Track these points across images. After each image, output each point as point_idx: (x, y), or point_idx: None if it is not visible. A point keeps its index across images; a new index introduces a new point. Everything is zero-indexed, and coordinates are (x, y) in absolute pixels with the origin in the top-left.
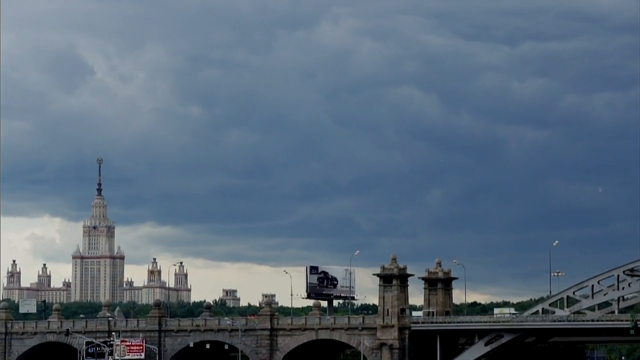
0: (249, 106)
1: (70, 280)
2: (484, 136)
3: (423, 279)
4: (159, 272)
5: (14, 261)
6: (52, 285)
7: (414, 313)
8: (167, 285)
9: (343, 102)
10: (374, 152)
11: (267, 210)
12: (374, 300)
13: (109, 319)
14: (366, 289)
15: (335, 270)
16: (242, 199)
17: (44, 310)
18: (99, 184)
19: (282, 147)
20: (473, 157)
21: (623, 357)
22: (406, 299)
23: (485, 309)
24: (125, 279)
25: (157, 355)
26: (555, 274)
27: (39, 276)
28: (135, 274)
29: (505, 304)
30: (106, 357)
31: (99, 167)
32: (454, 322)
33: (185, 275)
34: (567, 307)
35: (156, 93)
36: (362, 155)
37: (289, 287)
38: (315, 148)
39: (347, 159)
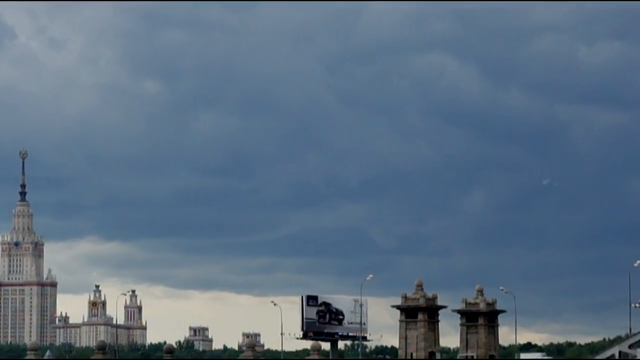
0: (223, 80)
1: None
2: (540, 120)
3: (459, 312)
4: (104, 303)
5: None
6: None
7: None
8: (114, 322)
9: (350, 74)
10: (393, 142)
11: (248, 220)
12: (392, 341)
13: None
14: (382, 325)
15: (340, 301)
16: (216, 206)
17: None
18: (23, 186)
19: (268, 135)
20: (526, 149)
21: None
22: (436, 338)
23: (544, 351)
24: (58, 314)
25: None
26: (637, 305)
27: None
28: (72, 306)
29: (570, 346)
30: None
31: (22, 162)
32: None
33: (139, 309)
34: None
35: (99, 64)
36: (376, 146)
37: (278, 324)
38: (313, 136)
39: (357, 151)
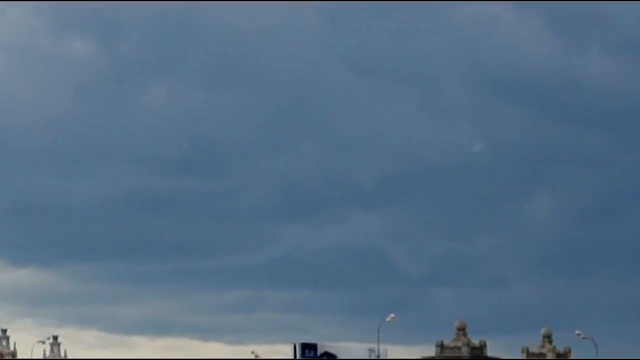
0: (183, 39)
1: None
2: (635, 94)
3: None
4: (13, 354)
5: None
6: None
7: None
8: None
9: (363, 30)
10: (423, 126)
11: (219, 237)
12: None
13: None
14: None
15: (349, 350)
16: (172, 217)
17: None
18: None
19: (247, 117)
20: (615, 135)
21: None
22: None
23: None
24: None
25: None
26: None
27: None
28: None
29: None
30: None
31: None
32: None
33: None
34: None
35: (6, 15)
36: (399, 132)
37: None
38: (310, 119)
39: (371, 140)
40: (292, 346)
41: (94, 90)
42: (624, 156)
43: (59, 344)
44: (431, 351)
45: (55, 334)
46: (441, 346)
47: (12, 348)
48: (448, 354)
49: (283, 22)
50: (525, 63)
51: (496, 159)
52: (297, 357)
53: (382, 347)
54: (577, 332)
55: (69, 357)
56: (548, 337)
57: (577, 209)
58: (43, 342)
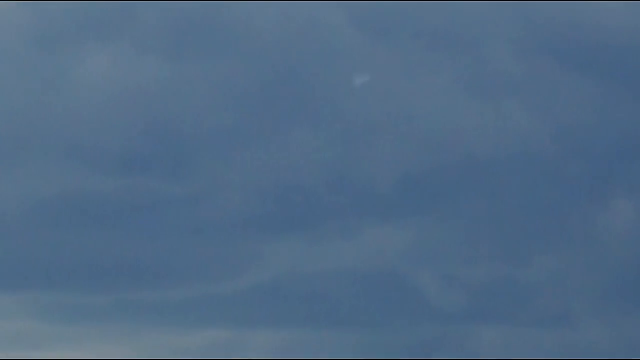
0: None
1: None
2: None
3: None
4: None
5: None
6: None
7: None
8: None
9: None
10: (462, 105)
11: (184, 256)
12: None
13: None
14: None
15: None
16: (120, 229)
17: None
18: None
19: (223, 94)
20: None
21: None
22: None
23: None
24: None
25: None
26: None
27: None
28: None
29: None
30: None
31: None
32: None
33: None
34: None
35: None
36: (429, 114)
37: None
38: (308, 97)
39: (392, 126)
40: None
41: (13, 59)
42: None
43: None
44: None
45: None
46: None
47: None
48: None
49: None
50: (599, 21)
51: (562, 151)
52: None
53: None
54: None
55: None
56: None
57: None
58: None
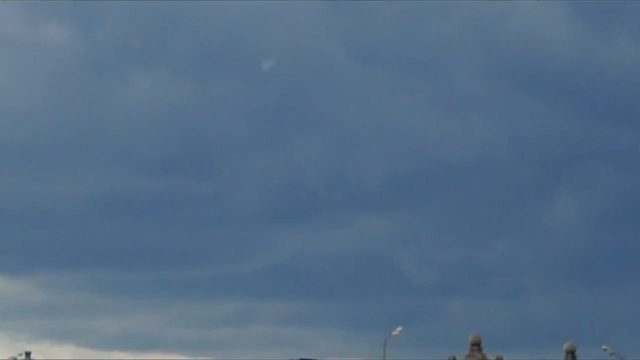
0: (169, 26)
1: None
2: None
3: None
4: None
5: None
6: None
7: None
8: None
9: (366, 15)
10: (434, 119)
11: (209, 242)
12: None
13: None
14: None
15: None
16: (157, 221)
17: None
18: None
19: (239, 109)
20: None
21: None
22: None
23: None
24: None
25: None
26: None
27: None
28: None
29: None
30: None
31: None
32: None
33: None
34: None
35: None
36: (407, 126)
37: None
38: (309, 112)
39: (377, 135)
40: None
41: (71, 80)
42: None
43: None
44: None
45: (27, 349)
46: None
47: None
48: None
49: (279, 5)
50: (547, 50)
51: (515, 156)
52: None
53: None
54: (603, 347)
55: None
56: (571, 353)
57: (604, 210)
58: (15, 359)
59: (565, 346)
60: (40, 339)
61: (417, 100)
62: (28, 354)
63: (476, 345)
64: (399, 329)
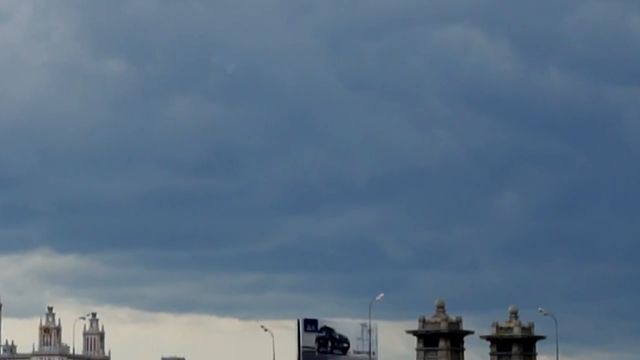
0: (202, 60)
1: None
2: (586, 106)
3: (489, 338)
4: (58, 329)
5: None
6: None
7: None
8: (71, 351)
9: (356, 51)
10: (408, 133)
11: (234, 228)
12: None
13: None
14: (396, 355)
15: (345, 325)
16: (194, 211)
17: None
18: None
19: (257, 125)
20: (570, 140)
21: None
22: None
23: None
24: (3, 342)
25: None
26: None
27: None
28: (20, 332)
29: None
30: None
31: None
32: None
33: (101, 335)
34: None
35: (51, 38)
36: (387, 138)
37: (269, 353)
38: (311, 127)
39: (364, 145)
40: (296, 321)
41: (127, 103)
42: (577, 159)
43: (97, 320)
44: (415, 325)
45: (94, 311)
46: (423, 321)
47: (57, 323)
48: (429, 328)
49: (288, 44)
50: (495, 79)
51: (470, 161)
52: (300, 331)
53: (373, 322)
54: (539, 309)
55: (105, 331)
56: (514, 314)
57: (539, 204)
58: (83, 318)
59: (510, 308)
60: (103, 303)
61: (393, 118)
62: (94, 315)
63: (441, 307)
64: (381, 295)
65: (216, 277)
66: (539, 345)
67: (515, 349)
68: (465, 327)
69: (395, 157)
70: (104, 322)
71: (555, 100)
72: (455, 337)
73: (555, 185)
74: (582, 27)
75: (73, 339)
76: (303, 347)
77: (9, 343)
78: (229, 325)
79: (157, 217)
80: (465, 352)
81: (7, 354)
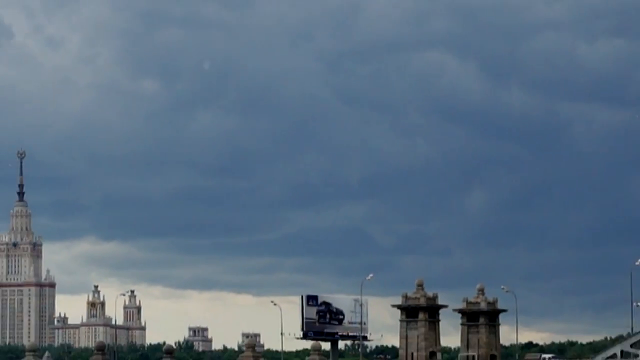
0: (222, 79)
1: None
2: (541, 118)
3: (460, 311)
4: (103, 304)
5: None
6: None
7: None
8: (113, 322)
9: (350, 72)
10: (393, 140)
11: (248, 219)
12: (393, 340)
13: None
14: (383, 325)
15: (341, 300)
16: (215, 205)
17: None
18: (20, 186)
19: (268, 134)
20: (527, 147)
21: None
22: (437, 338)
23: (545, 351)
24: (56, 314)
25: None
26: (639, 304)
27: None
28: (71, 307)
29: (571, 345)
30: None
31: (20, 162)
32: None
33: (138, 309)
34: None
35: (97, 62)
36: (376, 144)
37: (278, 324)
38: (312, 135)
39: (357, 150)
40: (300, 297)
41: (159, 115)
42: (534, 162)
43: (135, 296)
44: (398, 300)
45: (132, 288)
46: (405, 297)
47: (101, 299)
48: (410, 302)
49: (292, 66)
50: (464, 95)
51: (443, 164)
52: (303, 305)
53: (364, 297)
54: (502, 287)
55: (141, 306)
56: (481, 291)
57: (501, 200)
58: (123, 295)
59: (477, 286)
60: (140, 282)
61: (381, 128)
62: (132, 292)
63: (420, 286)
64: (371, 275)
65: (233, 261)
66: (501, 317)
67: (481, 320)
68: (440, 302)
69: (382, 161)
70: (140, 298)
71: (515, 114)
72: (432, 310)
73: (515, 184)
74: (538, 52)
75: (115, 312)
76: (306, 318)
77: (62, 315)
78: (244, 300)
79: (184, 210)
80: (440, 323)
81: (60, 324)
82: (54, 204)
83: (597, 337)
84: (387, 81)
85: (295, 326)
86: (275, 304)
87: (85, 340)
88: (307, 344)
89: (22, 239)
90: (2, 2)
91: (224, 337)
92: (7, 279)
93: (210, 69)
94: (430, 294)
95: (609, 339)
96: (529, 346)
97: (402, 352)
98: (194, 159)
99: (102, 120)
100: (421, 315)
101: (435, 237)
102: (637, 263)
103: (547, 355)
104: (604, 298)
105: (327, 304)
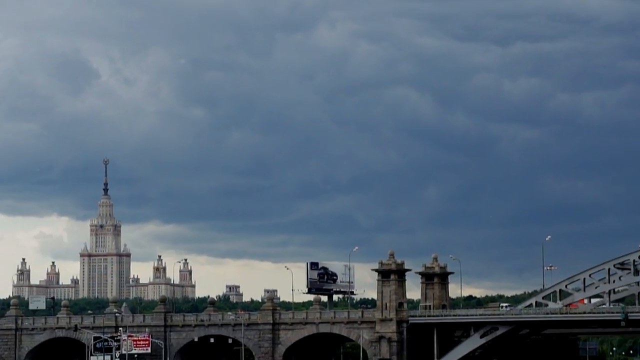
0: (249, 107)
1: (78, 278)
2: (477, 135)
3: (420, 273)
4: (164, 269)
5: (23, 259)
6: (60, 283)
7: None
8: (172, 282)
9: (341, 102)
10: (372, 150)
11: (268, 208)
12: (372, 294)
13: (116, 314)
14: (365, 284)
15: (335, 266)
16: (244, 198)
17: (53, 306)
18: (105, 184)
19: (282, 146)
20: (467, 156)
21: (614, 348)
22: (404, 293)
23: (481, 302)
24: (131, 276)
25: (163, 350)
26: (548, 267)
27: (47, 274)
28: (141, 271)
29: (499, 298)
30: (113, 351)
31: (105, 167)
32: (450, 315)
33: (190, 272)
34: (560, 299)
35: (159, 95)
36: (360, 153)
37: (290, 283)
38: (314, 147)
39: (346, 158)
40: (306, 264)
41: (203, 133)
42: (472, 167)
43: (187, 263)
44: (376, 266)
45: (185, 258)
46: (381, 263)
47: (163, 265)
48: (385, 267)
49: (300, 99)
50: (422, 119)
51: (408, 168)
52: (308, 270)
53: (352, 264)
54: (450, 256)
55: (192, 270)
56: (435, 259)
57: (449, 194)
58: (179, 262)
59: (433, 255)
60: (191, 253)
61: (363, 143)
62: (185, 260)
63: (391, 255)
64: (356, 248)
65: (257, 237)
66: (450, 278)
67: (435, 279)
68: (406, 267)
69: (364, 166)
70: (191, 264)
71: (459, 132)
72: (400, 273)
73: (459, 183)
74: (476, 88)
75: (173, 274)
76: (310, 279)
77: (135, 277)
78: (266, 266)
79: (222, 202)
80: (406, 282)
81: (134, 283)
82: (129, 197)
83: (519, 292)
84: (368, 109)
85: (302, 284)
86: (288, 269)
87: (152, 294)
88: (311, 297)
89: (106, 222)
90: (91, 52)
91: (251, 292)
92: (96, 251)
93: (240, 100)
94: (399, 261)
95: (527, 293)
96: (469, 299)
97: (378, 303)
98: (229, 164)
99: (163, 137)
100: (392, 277)
101: (402, 220)
102: (546, 239)
103: (504, 304)
104: (523, 263)
105: (325, 269)
